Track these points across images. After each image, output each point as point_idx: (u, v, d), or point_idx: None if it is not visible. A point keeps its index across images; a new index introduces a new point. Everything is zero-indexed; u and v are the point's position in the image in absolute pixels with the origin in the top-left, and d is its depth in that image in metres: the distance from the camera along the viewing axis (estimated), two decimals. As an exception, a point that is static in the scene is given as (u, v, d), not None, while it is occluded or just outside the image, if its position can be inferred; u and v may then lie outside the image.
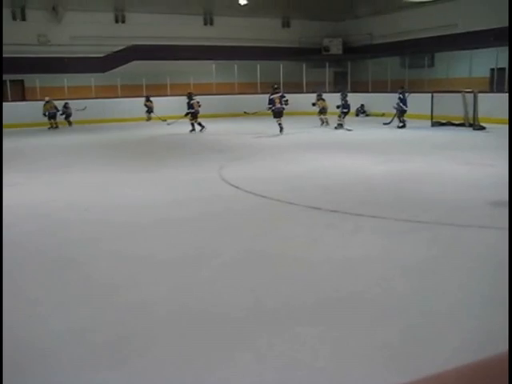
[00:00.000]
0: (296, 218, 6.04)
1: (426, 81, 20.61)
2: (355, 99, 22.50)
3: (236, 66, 23.75)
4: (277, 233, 5.40)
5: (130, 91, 21.95)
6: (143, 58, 23.09)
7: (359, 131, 16.04)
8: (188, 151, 12.51)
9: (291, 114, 22.28)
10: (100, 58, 23.15)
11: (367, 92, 22.82)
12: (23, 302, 3.76)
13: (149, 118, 21.54)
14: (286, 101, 15.66)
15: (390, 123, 16.65)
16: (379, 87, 22.24)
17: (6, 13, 22.09)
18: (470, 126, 15.55)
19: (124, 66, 23.28)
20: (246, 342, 3.10)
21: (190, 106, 16.53)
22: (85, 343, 3.14)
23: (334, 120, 16.79)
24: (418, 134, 15.01)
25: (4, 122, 18.85)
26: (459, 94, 16.19)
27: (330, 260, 4.51)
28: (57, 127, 19.20)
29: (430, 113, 16.67)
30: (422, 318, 3.37)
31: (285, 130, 15.32)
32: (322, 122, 17.45)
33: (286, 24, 27.49)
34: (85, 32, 22.57)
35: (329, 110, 17.25)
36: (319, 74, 24.41)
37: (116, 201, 6.97)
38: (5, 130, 17.02)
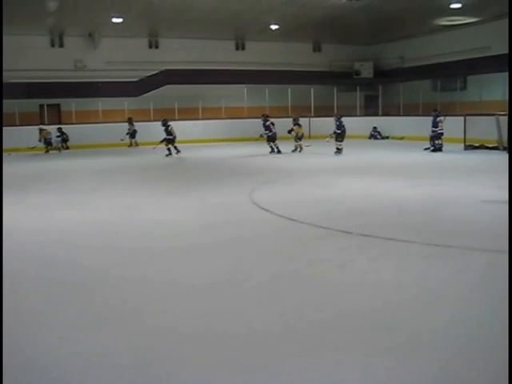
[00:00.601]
0: (326, 241, 6.01)
1: (458, 104, 20.46)
2: (370, 122, 22.72)
3: (267, 90, 23.95)
4: (307, 257, 5.37)
5: (163, 115, 22.30)
6: (175, 82, 23.47)
7: (391, 155, 15.96)
8: (217, 174, 12.60)
9: (321, 137, 22.37)
10: (134, 82, 23.63)
11: (399, 115, 22.74)
12: (52, 323, 3.82)
13: (131, 144, 21.12)
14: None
15: (429, 148, 16.34)
16: (411, 110, 22.15)
17: (45, 40, 22.86)
18: (504, 149, 15.31)
19: (157, 90, 23.70)
20: (274, 368, 3.08)
21: (168, 132, 16.72)
22: (110, 367, 3.16)
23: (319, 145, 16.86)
24: (451, 157, 14.84)
25: (42, 144, 19.52)
26: (493, 117, 15.99)
27: (360, 285, 4.47)
28: (56, 150, 19.80)
29: (462, 136, 16.50)
30: (453, 346, 3.30)
31: (312, 152, 15.37)
32: (295, 149, 17.07)
33: (316, 48, 27.68)
34: (119, 57, 23.12)
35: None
36: (350, 97, 24.45)
37: (145, 225, 7.02)
38: (42, 153, 17.45)
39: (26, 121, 20.37)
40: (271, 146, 16.83)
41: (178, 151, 16.69)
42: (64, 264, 5.26)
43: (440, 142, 16.09)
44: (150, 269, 5.06)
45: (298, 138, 17.06)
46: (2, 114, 14.88)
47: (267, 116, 17.17)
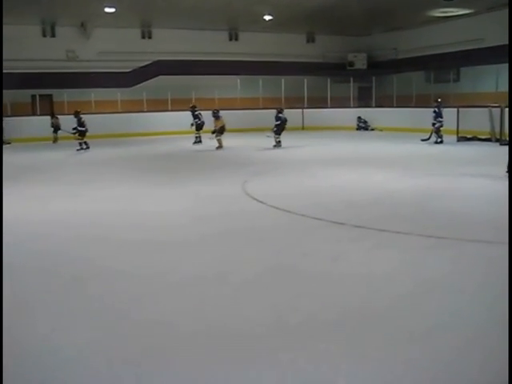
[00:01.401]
0: (320, 233, 6.03)
1: (451, 95, 20.45)
2: (363, 113, 22.74)
3: (261, 80, 23.89)
4: (300, 248, 5.39)
5: (156, 105, 22.24)
6: (169, 73, 23.36)
7: (384, 146, 15.98)
8: (211, 166, 12.59)
9: (315, 128, 22.36)
10: (126, 72, 23.51)
11: (392, 107, 22.74)
12: (48, 315, 3.81)
13: (55, 139, 19.80)
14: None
15: (428, 139, 16.25)
16: (404, 102, 22.15)
17: (36, 30, 22.65)
18: (497, 140, 15.37)
19: (150, 81, 23.58)
20: (267, 359, 3.09)
21: (80, 123, 16.50)
22: (104, 357, 3.17)
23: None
24: (444, 149, 14.88)
25: (33, 135, 19.36)
26: (485, 109, 16.03)
27: (353, 276, 4.49)
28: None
29: (455, 128, 16.53)
30: (447, 338, 3.32)
31: (304, 144, 15.31)
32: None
33: (310, 39, 27.59)
34: (112, 48, 22.96)
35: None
36: (344, 88, 24.42)
37: (137, 217, 6.99)
38: (33, 144, 17.40)
39: (17, 111, 20.22)
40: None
41: (88, 147, 16.42)
42: (56, 255, 5.25)
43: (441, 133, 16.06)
44: (143, 260, 5.06)
45: (218, 131, 16.12)
46: (1, 111, 14.76)
47: (194, 106, 17.79)
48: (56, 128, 19.67)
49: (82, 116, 16.66)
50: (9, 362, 2.96)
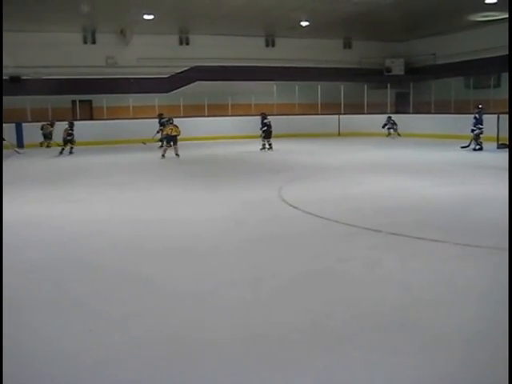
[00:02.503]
0: (354, 239, 5.99)
1: (491, 101, 20.07)
2: (400, 119, 22.29)
3: (297, 86, 23.90)
4: (335, 254, 5.36)
5: (193, 111, 22.46)
6: (206, 79, 23.58)
7: (422, 152, 15.78)
8: (246, 171, 12.64)
9: (351, 134, 22.23)
10: (164, 78, 23.84)
11: (430, 113, 22.44)
12: (84, 313, 3.89)
13: (48, 145, 19.94)
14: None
15: (468, 146, 15.95)
16: (443, 108, 21.83)
17: (77, 37, 23.20)
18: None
19: (187, 87, 23.84)
20: (302, 365, 3.09)
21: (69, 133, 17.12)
22: (145, 354, 3.22)
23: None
24: (483, 156, 14.60)
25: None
26: (527, 115, 15.64)
27: (388, 283, 4.45)
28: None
29: (495, 134, 16.20)
30: (484, 348, 3.26)
31: (340, 150, 15.22)
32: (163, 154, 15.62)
33: (347, 45, 27.46)
34: (150, 54, 23.33)
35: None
36: (381, 94, 24.23)
37: (173, 224, 7.03)
38: (75, 148, 17.77)
39: (58, 116, 20.72)
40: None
41: (71, 152, 17.03)
42: (95, 258, 5.36)
43: (480, 140, 15.77)
44: (179, 265, 5.12)
45: (167, 139, 15.84)
46: (1, 113, 15.13)
47: (161, 114, 18.41)
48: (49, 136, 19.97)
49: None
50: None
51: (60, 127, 18.38)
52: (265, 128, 17.01)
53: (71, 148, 17.20)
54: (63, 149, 17.11)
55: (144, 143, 18.39)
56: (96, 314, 3.92)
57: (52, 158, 16.43)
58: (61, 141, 17.62)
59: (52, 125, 19.94)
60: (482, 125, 15.63)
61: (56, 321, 3.77)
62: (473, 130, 15.75)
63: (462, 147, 15.92)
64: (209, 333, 3.55)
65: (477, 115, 15.78)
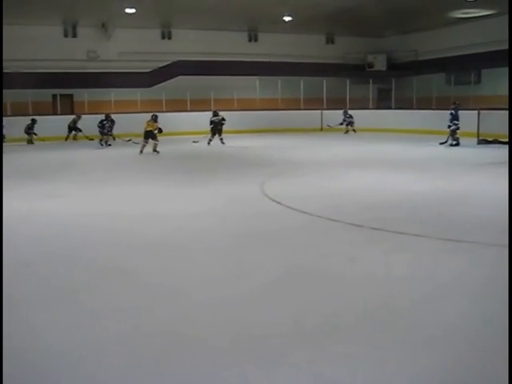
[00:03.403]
0: (337, 235, 6.02)
1: (472, 98, 20.26)
2: (382, 115, 22.40)
3: (279, 81, 23.89)
4: (318, 250, 5.39)
5: (175, 106, 22.31)
6: (188, 74, 23.47)
7: (401, 148, 15.88)
8: (229, 166, 12.62)
9: (335, 129, 22.29)
10: (146, 73, 23.68)
11: (412, 109, 22.58)
12: (77, 309, 3.86)
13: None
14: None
15: (446, 142, 16.06)
16: (424, 104, 22.00)
17: (58, 30, 22.91)
18: (519, 143, 15.16)
19: (169, 81, 23.72)
20: (284, 360, 3.10)
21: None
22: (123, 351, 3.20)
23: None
24: (464, 151, 14.74)
25: (53, 135, 19.56)
26: (506, 112, 15.82)
27: (371, 278, 4.47)
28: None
29: (476, 130, 16.37)
30: (467, 340, 3.30)
31: (322, 145, 15.26)
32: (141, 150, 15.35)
33: (330, 40, 27.51)
34: (132, 48, 23.13)
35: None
36: (363, 90, 24.32)
37: (155, 218, 7.01)
38: (54, 142, 17.60)
39: (39, 110, 20.47)
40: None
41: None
42: (83, 253, 5.32)
43: (457, 135, 15.94)
44: (162, 261, 5.10)
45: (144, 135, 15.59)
46: (1, 110, 14.94)
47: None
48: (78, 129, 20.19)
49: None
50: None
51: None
52: (212, 125, 17.63)
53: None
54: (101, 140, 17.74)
55: (129, 140, 18.25)
56: (81, 308, 3.89)
57: (34, 151, 16.25)
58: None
59: (79, 117, 20.27)
60: (458, 121, 15.81)
61: (41, 315, 3.74)
62: (449, 126, 15.93)
63: (441, 143, 16.05)
64: (193, 328, 3.54)
65: (453, 111, 15.96)
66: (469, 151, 14.76)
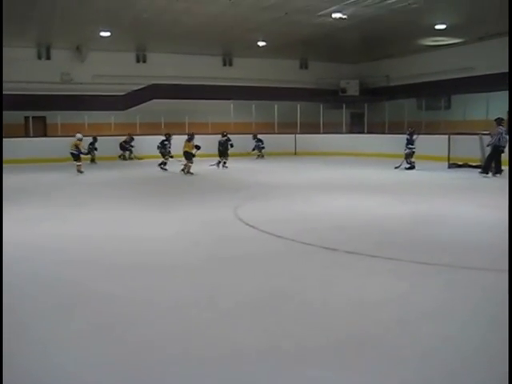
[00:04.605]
0: (311, 258, 6.02)
1: (442, 122, 20.70)
2: (355, 139, 22.72)
3: (254, 105, 24.08)
4: (292, 273, 5.37)
5: (149, 129, 22.30)
6: (163, 97, 23.53)
7: (374, 172, 16.07)
8: (204, 190, 12.59)
9: (308, 153, 22.48)
10: (121, 96, 23.65)
11: (384, 133, 22.92)
12: (29, 341, 3.77)
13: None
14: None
15: (400, 166, 16.46)
16: (396, 128, 22.37)
17: (32, 52, 22.79)
18: (487, 168, 15.49)
19: (144, 105, 23.73)
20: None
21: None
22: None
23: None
24: (435, 175, 14.99)
25: (25, 157, 19.31)
26: (476, 136, 16.18)
27: (345, 302, 4.47)
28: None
29: (446, 154, 16.68)
30: (440, 363, 3.31)
31: (296, 169, 15.37)
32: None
33: (303, 65, 27.92)
34: (107, 71, 23.12)
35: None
36: (336, 114, 24.65)
37: (126, 242, 6.94)
38: (26, 165, 17.36)
39: (10, 133, 20.22)
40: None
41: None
42: (47, 279, 5.21)
43: (413, 159, 16.36)
44: (132, 285, 5.02)
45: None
46: (1, 126, 14.75)
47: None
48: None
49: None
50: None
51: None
52: (220, 147, 17.45)
53: None
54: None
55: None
56: (44, 336, 3.81)
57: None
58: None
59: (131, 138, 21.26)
60: (412, 145, 16.37)
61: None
62: (405, 150, 16.36)
63: (396, 167, 16.42)
64: (160, 352, 3.49)
65: (408, 136, 16.45)
66: (440, 175, 15.01)
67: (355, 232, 7.38)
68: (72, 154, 16.26)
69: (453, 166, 16.41)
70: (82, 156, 16.40)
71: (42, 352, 3.53)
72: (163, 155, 17.02)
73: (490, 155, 14.42)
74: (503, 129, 14.19)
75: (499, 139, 14.14)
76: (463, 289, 4.81)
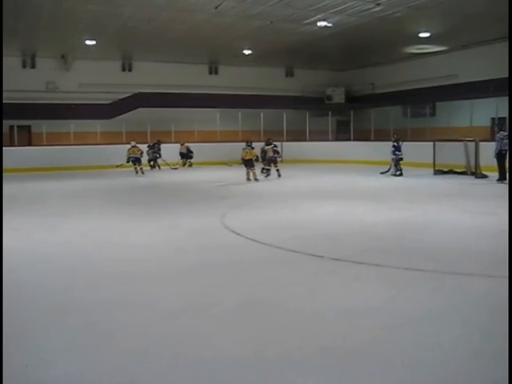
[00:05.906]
0: (298, 265, 6.00)
1: (427, 129, 20.86)
2: (342, 147, 22.85)
3: (240, 114, 24.11)
4: (278, 281, 5.35)
5: (135, 138, 22.16)
6: (149, 106, 23.49)
7: (360, 179, 16.13)
8: (189, 198, 12.56)
9: (294, 161, 22.53)
10: (106, 104, 23.57)
11: (370, 140, 23.04)
12: (23, 348, 3.71)
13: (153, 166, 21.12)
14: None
15: (387, 172, 16.68)
16: (382, 136, 22.51)
17: (17, 61, 22.65)
18: (472, 174, 15.63)
19: (130, 113, 23.65)
20: (245, 394, 3.04)
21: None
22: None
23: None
24: (420, 182, 15.07)
25: (11, 166, 19.14)
26: (461, 143, 16.33)
27: (332, 309, 4.46)
28: (142, 172, 18.86)
29: (432, 161, 16.80)
30: (428, 370, 3.30)
31: (283, 177, 15.43)
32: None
33: (289, 73, 28.02)
34: (92, 79, 23.06)
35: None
36: (322, 122, 24.76)
37: (114, 249, 6.91)
38: (11, 174, 17.20)
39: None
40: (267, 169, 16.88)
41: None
42: (35, 287, 5.15)
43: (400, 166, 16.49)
44: (120, 293, 4.98)
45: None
46: (1, 133, 14.61)
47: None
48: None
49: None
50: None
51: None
52: (263, 155, 16.90)
53: None
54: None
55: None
56: (33, 346, 3.74)
57: None
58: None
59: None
60: (399, 151, 16.50)
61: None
62: (394, 156, 16.49)
63: (382, 173, 16.64)
64: (148, 359, 3.45)
65: (395, 143, 16.60)
66: (426, 181, 15.09)
67: (342, 239, 7.38)
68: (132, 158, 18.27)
69: (438, 172, 16.53)
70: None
71: (16, 372, 3.47)
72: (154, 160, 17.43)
73: (498, 163, 14.29)
74: (504, 134, 14.20)
75: (500, 145, 14.14)
76: (450, 295, 4.81)
